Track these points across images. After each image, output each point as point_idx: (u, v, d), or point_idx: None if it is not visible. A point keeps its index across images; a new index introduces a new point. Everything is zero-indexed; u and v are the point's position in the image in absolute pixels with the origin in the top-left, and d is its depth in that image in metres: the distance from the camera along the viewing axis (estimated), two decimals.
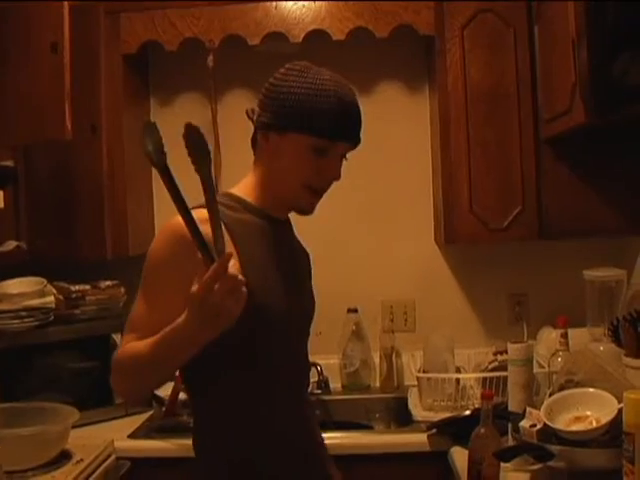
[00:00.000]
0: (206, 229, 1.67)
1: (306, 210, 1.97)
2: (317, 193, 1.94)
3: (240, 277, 1.63)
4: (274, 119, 1.90)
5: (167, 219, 3.58)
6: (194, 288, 1.62)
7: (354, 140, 1.94)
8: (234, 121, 3.49)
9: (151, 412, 3.10)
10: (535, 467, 2.24)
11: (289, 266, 2.00)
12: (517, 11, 3.08)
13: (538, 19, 2.99)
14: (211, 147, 1.77)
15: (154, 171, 3.55)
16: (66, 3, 2.81)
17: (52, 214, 3.14)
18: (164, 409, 3.06)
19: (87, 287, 3.13)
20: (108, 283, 3.17)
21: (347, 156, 1.96)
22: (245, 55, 3.44)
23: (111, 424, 2.99)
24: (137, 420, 3.02)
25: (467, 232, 3.11)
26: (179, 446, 2.68)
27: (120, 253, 3.19)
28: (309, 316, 2.09)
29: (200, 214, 1.71)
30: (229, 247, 1.77)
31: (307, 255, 2.18)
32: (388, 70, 3.54)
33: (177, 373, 2.80)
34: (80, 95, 2.99)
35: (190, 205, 1.72)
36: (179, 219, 1.71)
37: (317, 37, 3.20)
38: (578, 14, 2.41)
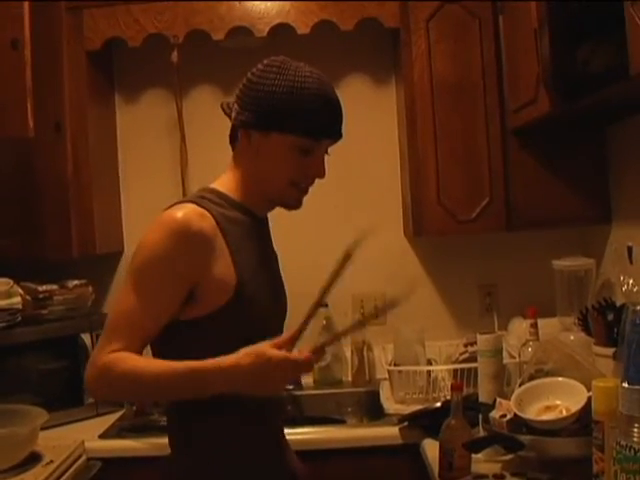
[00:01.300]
0: (208, 224, 1.80)
1: (293, 205, 1.98)
2: (303, 189, 1.96)
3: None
4: (256, 119, 1.88)
5: (135, 217, 3.58)
6: (273, 351, 1.69)
7: (337, 136, 1.95)
8: (200, 117, 3.49)
9: (122, 412, 3.08)
10: (506, 457, 2.24)
11: (270, 262, 2.05)
12: (482, 2, 3.09)
13: (503, 10, 3.00)
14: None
15: (120, 168, 3.54)
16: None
17: (16, 213, 3.09)
18: (135, 409, 3.04)
19: (54, 287, 3.10)
20: (76, 282, 3.14)
21: (328, 151, 1.97)
22: (210, 50, 3.42)
23: (81, 425, 2.96)
24: (108, 420, 2.99)
25: (436, 224, 3.12)
26: (150, 445, 2.67)
27: (87, 252, 3.16)
28: (285, 311, 2.12)
29: (195, 209, 1.81)
30: (223, 246, 1.83)
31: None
32: (354, 63, 3.53)
33: None
34: (43, 92, 2.97)
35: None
36: (179, 211, 1.78)
37: (282, 31, 3.19)
38: (540, 4, 2.42)
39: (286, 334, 1.81)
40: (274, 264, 2.10)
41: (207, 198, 1.88)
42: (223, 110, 1.99)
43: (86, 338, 3.01)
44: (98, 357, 1.78)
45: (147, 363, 1.77)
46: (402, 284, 3.46)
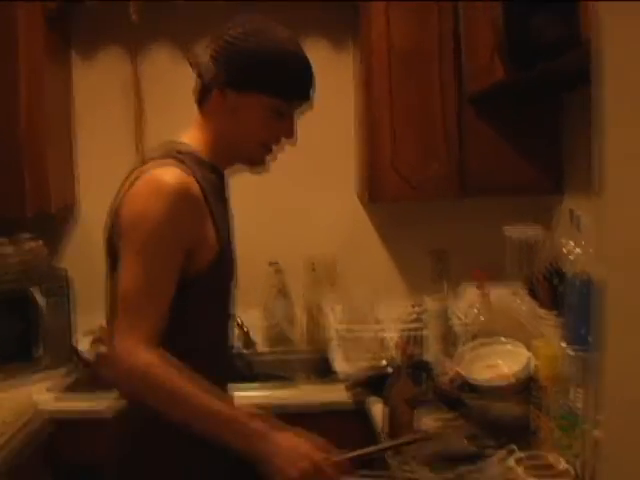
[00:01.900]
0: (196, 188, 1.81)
1: (259, 164, 2.01)
2: (271, 151, 1.99)
3: None
4: (235, 78, 1.89)
5: (91, 175, 3.56)
6: (318, 455, 1.75)
7: (309, 99, 1.99)
8: (157, 75, 3.46)
9: (72, 367, 3.08)
10: (449, 416, 2.29)
11: (229, 218, 2.05)
12: None
13: None
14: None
15: (76, 127, 3.51)
16: None
17: None
18: (84, 364, 3.04)
19: (7, 244, 3.08)
20: (29, 239, 3.12)
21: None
22: (169, 8, 3.39)
23: (30, 379, 2.95)
24: (58, 375, 3.00)
25: (389, 189, 3.13)
26: (100, 401, 2.68)
27: (41, 210, 3.14)
28: (236, 270, 2.13)
29: (182, 173, 1.80)
30: (206, 208, 1.84)
31: None
32: (313, 28, 3.52)
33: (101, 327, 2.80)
34: None
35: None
36: (168, 175, 1.77)
37: None
38: None
39: (346, 455, 1.83)
40: (232, 222, 2.11)
41: (183, 159, 1.87)
42: (191, 64, 1.98)
43: (37, 294, 3.00)
44: (134, 349, 1.73)
45: (198, 389, 1.75)
46: (354, 248, 3.50)
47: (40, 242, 3.15)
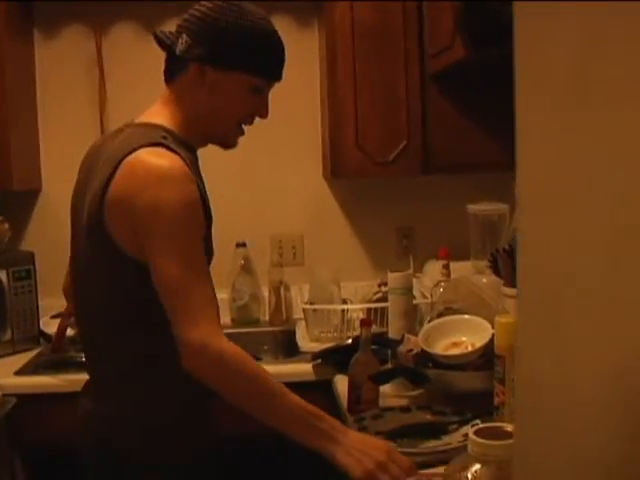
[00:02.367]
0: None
1: (232, 145, 2.04)
2: (244, 131, 2.02)
3: None
4: (218, 55, 1.89)
5: (53, 154, 3.52)
6: (386, 449, 1.76)
7: (281, 77, 2.04)
8: (120, 53, 3.43)
9: (39, 349, 3.07)
10: (413, 393, 2.31)
11: None
12: None
13: None
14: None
15: (39, 105, 3.47)
16: None
17: None
18: (51, 346, 3.03)
19: None
20: None
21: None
22: None
23: None
24: (24, 357, 2.99)
25: (353, 166, 3.14)
26: (66, 381, 2.69)
27: (4, 187, 3.11)
28: None
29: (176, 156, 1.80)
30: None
31: None
32: (278, 5, 3.51)
33: (65, 307, 2.79)
34: None
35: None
36: (166, 160, 1.78)
37: None
38: None
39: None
40: None
41: (169, 144, 1.84)
42: (158, 39, 1.95)
43: (2, 275, 2.99)
44: (216, 333, 1.75)
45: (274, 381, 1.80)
46: (320, 226, 3.51)
47: (5, 224, 3.12)
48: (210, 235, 1.93)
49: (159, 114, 1.95)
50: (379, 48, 3.11)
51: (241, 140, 2.06)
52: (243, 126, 2.01)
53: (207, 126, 1.97)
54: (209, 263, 1.93)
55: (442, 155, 3.12)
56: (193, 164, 1.91)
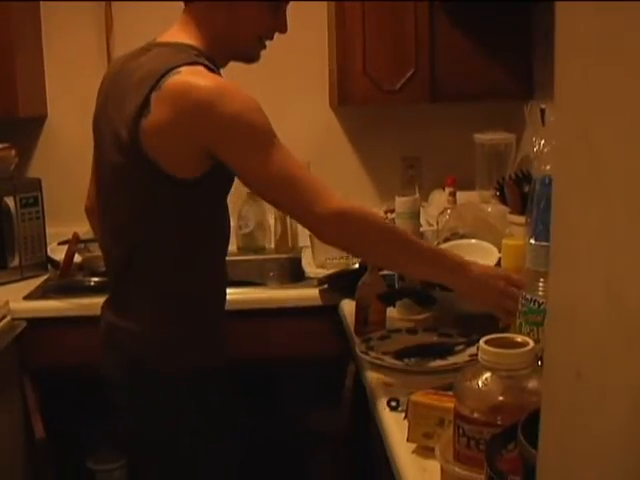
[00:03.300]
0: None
1: (256, 59, 2.07)
2: (265, 45, 2.05)
3: None
4: None
5: (58, 81, 3.50)
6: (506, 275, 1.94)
7: None
8: None
9: (47, 275, 3.09)
10: (420, 316, 2.34)
11: None
12: None
13: None
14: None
15: (44, 31, 3.44)
16: None
17: None
18: (59, 271, 3.05)
19: None
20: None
21: None
22: None
23: (6, 287, 2.96)
24: (33, 283, 3.00)
25: (360, 94, 3.13)
26: (75, 305, 2.72)
27: (9, 114, 3.10)
28: None
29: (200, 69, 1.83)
30: None
31: None
32: None
33: (72, 234, 2.81)
34: None
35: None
36: (211, 79, 1.82)
37: None
38: None
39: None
40: None
41: (199, 58, 1.89)
42: None
43: (10, 202, 2.99)
44: (338, 199, 1.85)
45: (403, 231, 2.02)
46: (327, 155, 3.50)
47: (12, 151, 3.11)
48: None
49: (181, 34, 1.97)
50: None
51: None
52: (265, 41, 2.04)
53: (230, 44, 1.99)
54: (229, 191, 2.00)
55: (449, 83, 3.11)
56: None
